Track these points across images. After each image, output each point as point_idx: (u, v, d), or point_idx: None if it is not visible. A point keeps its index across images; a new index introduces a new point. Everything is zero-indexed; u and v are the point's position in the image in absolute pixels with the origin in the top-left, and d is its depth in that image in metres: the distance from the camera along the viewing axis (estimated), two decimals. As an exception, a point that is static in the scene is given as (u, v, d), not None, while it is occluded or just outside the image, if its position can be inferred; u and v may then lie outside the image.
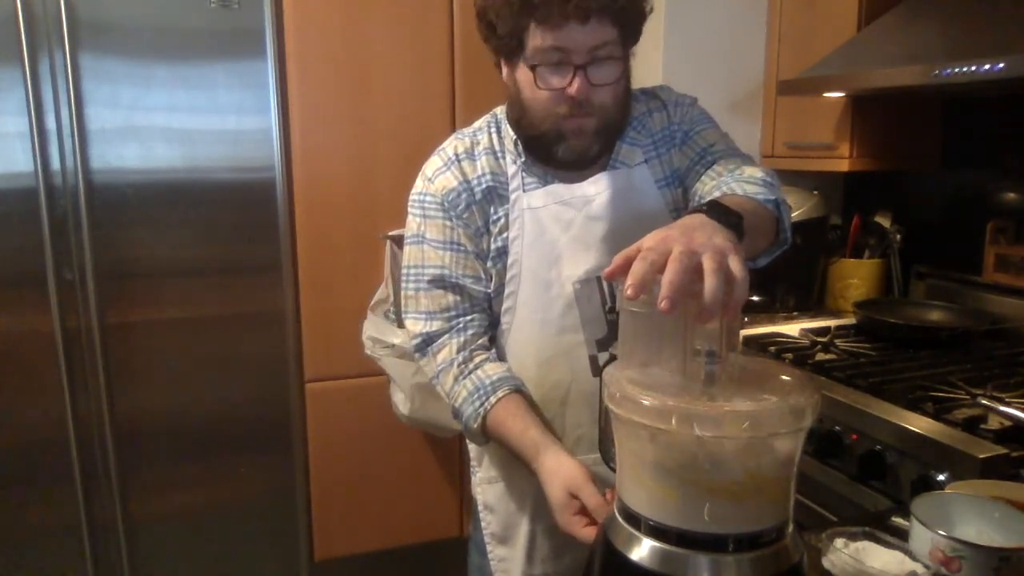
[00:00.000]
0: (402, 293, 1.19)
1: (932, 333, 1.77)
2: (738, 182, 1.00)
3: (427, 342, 1.16)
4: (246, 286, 2.14)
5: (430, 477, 2.41)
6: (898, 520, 0.98)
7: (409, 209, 1.18)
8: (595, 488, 0.93)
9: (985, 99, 1.93)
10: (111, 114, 1.94)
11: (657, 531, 0.68)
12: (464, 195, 1.13)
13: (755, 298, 2.14)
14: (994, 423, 1.28)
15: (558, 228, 1.12)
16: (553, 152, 1.09)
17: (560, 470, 0.97)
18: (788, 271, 2.11)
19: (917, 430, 1.29)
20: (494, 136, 1.17)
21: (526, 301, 1.14)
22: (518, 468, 1.09)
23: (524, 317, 1.14)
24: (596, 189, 1.12)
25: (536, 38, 1.00)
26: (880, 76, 1.62)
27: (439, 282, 1.15)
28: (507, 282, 1.14)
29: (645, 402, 0.66)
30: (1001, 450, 1.20)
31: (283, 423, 2.23)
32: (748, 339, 1.85)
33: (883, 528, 0.86)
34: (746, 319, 2.05)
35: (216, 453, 2.17)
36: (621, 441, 0.73)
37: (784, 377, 0.72)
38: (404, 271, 1.18)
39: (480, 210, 1.14)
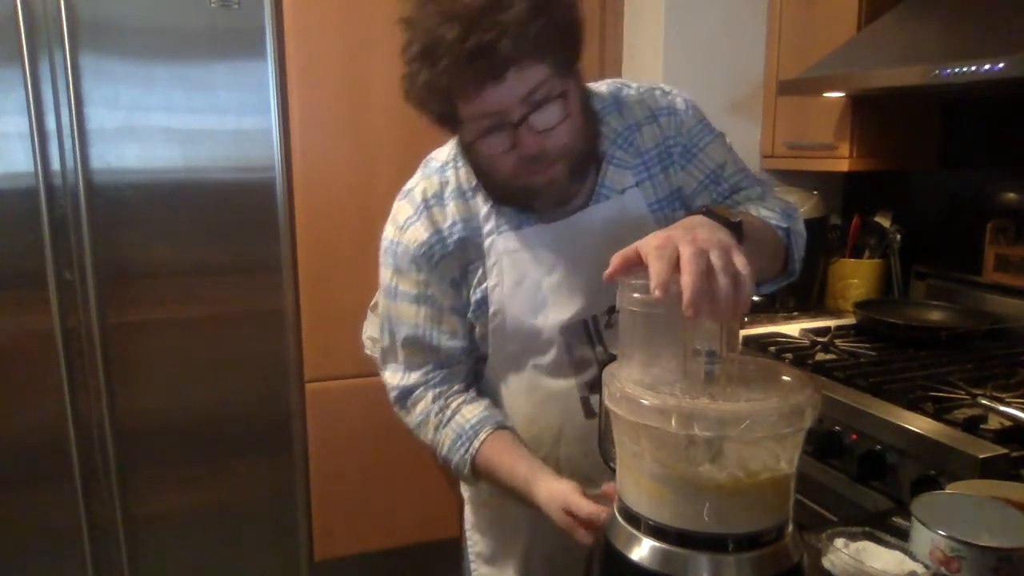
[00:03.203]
0: (380, 343, 1.16)
1: (932, 333, 1.76)
2: (755, 205, 1.00)
3: (404, 395, 1.13)
4: (246, 286, 2.14)
5: (430, 477, 2.41)
6: (898, 520, 0.98)
7: (381, 257, 1.11)
8: (584, 498, 0.90)
9: (985, 99, 1.93)
10: (111, 114, 1.94)
11: (657, 531, 0.68)
12: (437, 247, 1.05)
13: (755, 298, 2.14)
14: (994, 423, 1.28)
15: (540, 272, 1.04)
16: (531, 206, 1.02)
17: (553, 495, 0.95)
18: (788, 271, 2.11)
19: (917, 430, 1.29)
20: (461, 172, 1.06)
21: (513, 349, 1.07)
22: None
23: (512, 364, 1.09)
24: (581, 227, 1.02)
25: (464, 111, 0.91)
26: (880, 76, 1.62)
27: (413, 341, 1.10)
28: (491, 332, 1.07)
29: (645, 402, 0.66)
30: (1001, 450, 1.20)
31: (283, 423, 2.23)
32: (748, 339, 1.85)
33: (883, 528, 0.86)
34: (746, 319, 2.05)
35: (216, 453, 2.17)
36: (621, 441, 0.73)
37: (784, 377, 0.72)
38: (380, 322, 1.13)
39: (455, 260, 1.06)
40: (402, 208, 1.08)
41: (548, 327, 1.04)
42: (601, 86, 1.08)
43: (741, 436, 0.64)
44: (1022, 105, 1.81)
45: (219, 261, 2.10)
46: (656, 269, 0.68)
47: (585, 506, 0.89)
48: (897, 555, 0.80)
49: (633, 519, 0.70)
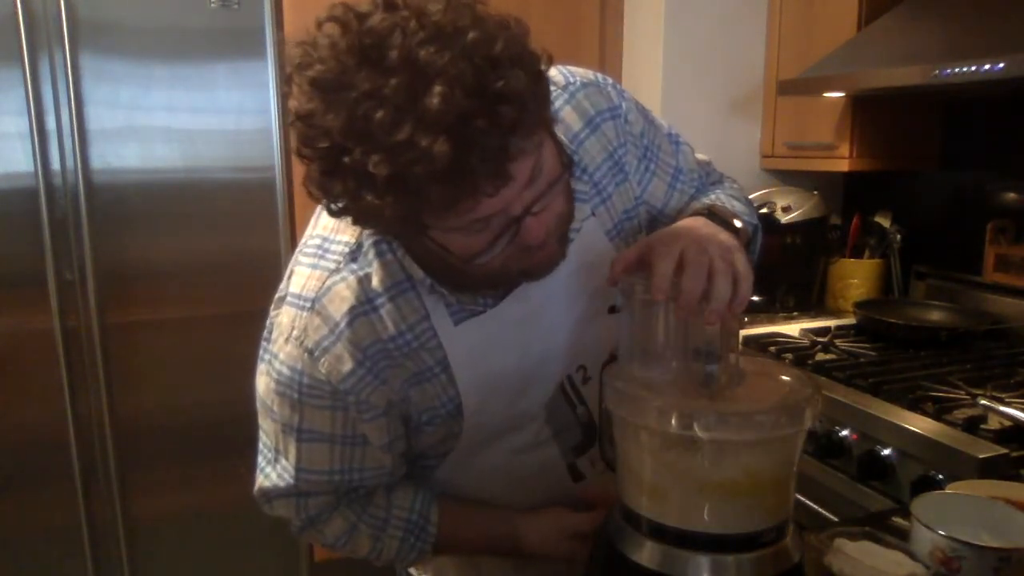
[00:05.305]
0: (262, 445, 0.89)
1: (932, 333, 1.76)
2: (728, 196, 0.96)
3: (307, 523, 0.91)
4: (246, 286, 2.13)
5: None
6: (898, 520, 0.98)
7: (272, 384, 0.82)
8: (581, 514, 0.89)
9: (985, 99, 1.93)
10: (111, 114, 1.93)
11: (657, 531, 0.68)
12: (369, 375, 0.79)
13: (755, 298, 2.14)
14: (994, 423, 1.28)
15: (514, 356, 0.85)
16: (516, 285, 0.82)
17: (549, 531, 0.90)
18: (788, 271, 2.11)
19: (917, 430, 1.29)
20: (390, 258, 0.79)
21: (486, 442, 0.90)
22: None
23: (485, 454, 0.91)
24: (549, 286, 0.81)
25: (443, 223, 0.67)
26: (880, 76, 1.62)
27: (324, 485, 0.87)
28: (462, 434, 0.87)
29: (645, 402, 0.66)
30: (1001, 450, 1.20)
31: (283, 423, 2.23)
32: (748, 339, 1.85)
33: (883, 528, 0.86)
34: (746, 319, 2.05)
35: (216, 453, 2.17)
36: (621, 441, 0.73)
37: (784, 377, 0.72)
38: (263, 439, 0.89)
39: (395, 380, 0.82)
40: (311, 325, 0.78)
41: (531, 409, 0.89)
42: None
43: (741, 436, 0.64)
44: (1022, 105, 1.81)
45: (219, 261, 2.10)
46: (659, 270, 0.68)
47: (585, 520, 0.89)
48: (897, 555, 0.80)
49: (633, 519, 0.70)
